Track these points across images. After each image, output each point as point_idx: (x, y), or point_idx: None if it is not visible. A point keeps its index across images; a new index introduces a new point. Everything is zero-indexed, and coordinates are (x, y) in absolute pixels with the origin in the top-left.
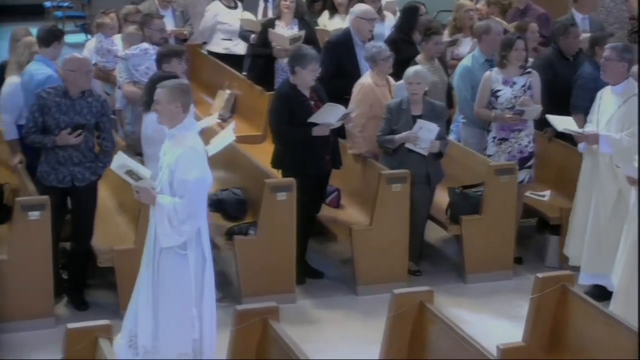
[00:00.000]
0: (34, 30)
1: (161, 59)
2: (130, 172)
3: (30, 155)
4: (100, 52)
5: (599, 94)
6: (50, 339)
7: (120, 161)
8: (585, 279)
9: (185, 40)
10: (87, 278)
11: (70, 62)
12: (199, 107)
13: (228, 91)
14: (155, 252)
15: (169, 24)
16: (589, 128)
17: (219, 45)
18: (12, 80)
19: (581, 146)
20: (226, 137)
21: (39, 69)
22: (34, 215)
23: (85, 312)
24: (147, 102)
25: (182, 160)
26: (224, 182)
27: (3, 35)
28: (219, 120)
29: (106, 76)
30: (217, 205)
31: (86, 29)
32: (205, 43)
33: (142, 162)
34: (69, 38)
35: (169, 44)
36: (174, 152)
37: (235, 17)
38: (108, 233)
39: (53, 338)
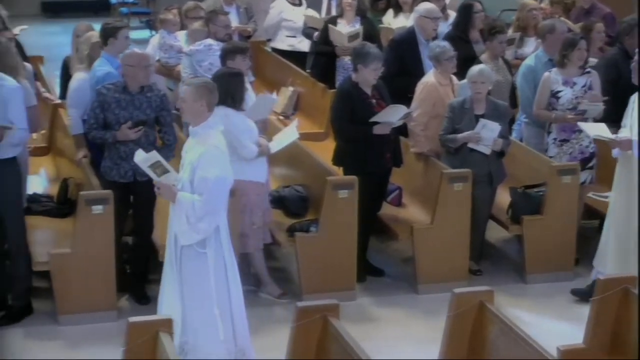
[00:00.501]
0: (97, 26)
1: (226, 55)
2: (153, 166)
3: (94, 150)
4: (163, 47)
5: (632, 97)
6: (112, 332)
7: (145, 154)
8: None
9: (249, 37)
10: (148, 272)
11: (129, 57)
12: None
13: (291, 88)
14: (176, 250)
15: (233, 21)
16: (623, 133)
17: (283, 42)
18: (79, 75)
19: (615, 152)
20: (289, 134)
21: (100, 66)
22: (97, 209)
23: (147, 306)
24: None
25: (204, 158)
26: (286, 179)
27: (69, 30)
28: (280, 117)
29: (169, 72)
30: (278, 202)
31: (151, 25)
32: (269, 40)
33: None
34: (133, 34)
35: (233, 40)
36: (197, 150)
37: (300, 14)
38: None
39: (115, 331)
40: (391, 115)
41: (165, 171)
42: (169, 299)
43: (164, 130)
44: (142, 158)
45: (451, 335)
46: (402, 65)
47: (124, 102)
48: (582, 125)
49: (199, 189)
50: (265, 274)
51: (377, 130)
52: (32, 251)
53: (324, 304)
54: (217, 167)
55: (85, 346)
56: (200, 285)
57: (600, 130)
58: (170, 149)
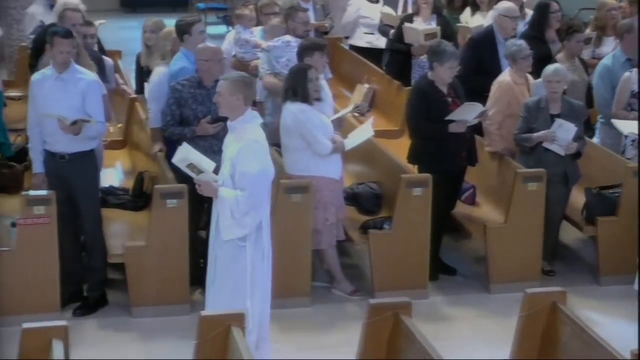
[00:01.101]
0: (173, 22)
1: (303, 51)
2: (191, 166)
3: (170, 144)
4: (239, 43)
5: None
6: (184, 325)
7: (182, 154)
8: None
9: (325, 33)
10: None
11: (202, 51)
12: (337, 101)
13: (367, 85)
14: (215, 243)
15: (311, 17)
16: None
17: (361, 39)
18: (160, 70)
19: None
20: (365, 131)
21: (177, 61)
22: (172, 203)
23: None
24: (286, 92)
25: (243, 152)
26: (360, 176)
27: None
28: (353, 112)
29: (244, 67)
30: (352, 199)
31: (227, 21)
32: (347, 37)
33: (279, 153)
34: (210, 30)
35: (311, 37)
36: (236, 145)
37: (377, 12)
38: None
39: (187, 325)
40: (467, 113)
41: (201, 171)
42: (213, 293)
43: None
44: (178, 158)
45: (522, 335)
46: (480, 64)
47: (200, 97)
48: (615, 122)
49: (241, 183)
50: (338, 271)
51: (452, 128)
52: (108, 243)
53: (396, 302)
54: (257, 161)
55: (157, 339)
56: (234, 278)
57: (633, 127)
58: None
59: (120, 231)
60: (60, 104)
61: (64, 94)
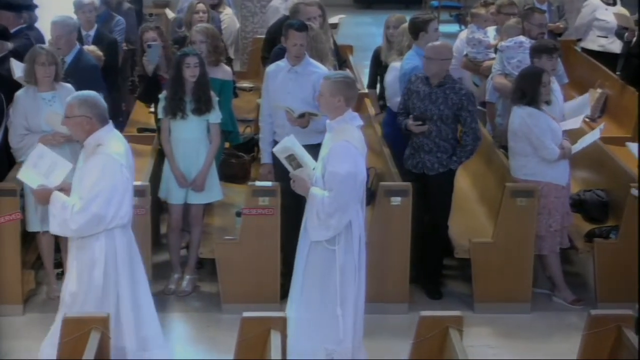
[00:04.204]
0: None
1: (533, 53)
2: (291, 158)
3: (396, 142)
4: (471, 42)
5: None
6: (402, 323)
7: (286, 145)
8: None
9: (559, 35)
10: (442, 267)
11: (428, 49)
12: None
13: (599, 90)
14: (305, 244)
15: (545, 19)
16: None
17: (594, 42)
18: (396, 65)
19: None
20: (591, 136)
21: (410, 59)
22: (395, 201)
23: (439, 301)
24: (515, 95)
25: (334, 152)
26: (588, 182)
27: (379, 21)
28: (579, 126)
29: (475, 67)
30: (578, 205)
31: (460, 20)
32: (579, 40)
33: (506, 156)
34: (442, 28)
35: (544, 39)
36: (329, 145)
37: (612, 14)
38: (466, 224)
39: (404, 323)
40: None
41: (300, 165)
42: (295, 296)
43: (464, 130)
44: (280, 148)
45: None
46: None
47: (423, 94)
48: (629, 145)
49: (329, 184)
50: (560, 278)
51: None
52: None
53: (619, 314)
54: (347, 162)
55: (375, 335)
56: (324, 283)
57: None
58: (465, 150)
59: None
60: (292, 96)
61: (296, 87)
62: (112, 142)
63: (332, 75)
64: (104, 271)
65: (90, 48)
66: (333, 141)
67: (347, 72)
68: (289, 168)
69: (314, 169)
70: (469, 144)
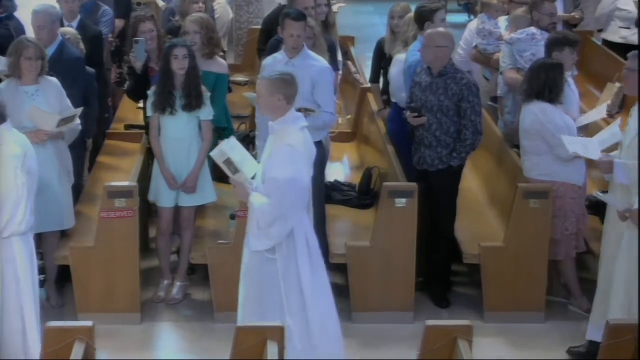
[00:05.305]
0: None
1: (552, 45)
2: (228, 162)
3: (399, 140)
4: (481, 33)
5: (633, 109)
6: (404, 334)
7: (224, 148)
8: (592, 334)
9: (574, 25)
10: (449, 273)
11: (425, 36)
12: (584, 100)
13: (617, 84)
14: (246, 252)
15: (559, 8)
16: (616, 152)
17: (615, 33)
18: (401, 57)
19: (606, 175)
20: (612, 135)
21: (414, 50)
22: (400, 202)
23: (447, 309)
24: (527, 91)
25: (274, 157)
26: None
27: (382, 10)
28: (605, 115)
29: (486, 60)
30: (595, 207)
31: (469, 9)
32: (600, 30)
33: (518, 155)
34: (449, 18)
35: (561, 30)
36: (271, 148)
37: (634, 3)
38: (476, 227)
39: (408, 334)
40: None
41: (237, 170)
42: (240, 303)
43: (463, 123)
44: (217, 151)
45: None
46: None
47: (424, 84)
48: (564, 138)
49: (269, 191)
50: (576, 285)
51: None
52: (329, 242)
53: (635, 324)
54: (288, 168)
55: (378, 347)
56: (263, 294)
57: (580, 147)
58: (465, 145)
59: (343, 230)
60: None
61: None
62: (8, 143)
63: (268, 74)
64: (3, 283)
65: (67, 30)
66: (274, 144)
67: (286, 70)
68: (228, 173)
69: (254, 176)
70: (468, 138)
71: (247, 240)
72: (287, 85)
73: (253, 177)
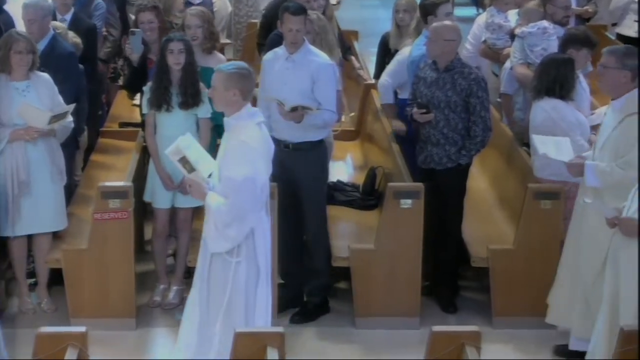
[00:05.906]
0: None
1: (570, 42)
2: (184, 161)
3: (404, 140)
4: (490, 27)
5: (604, 109)
6: (412, 340)
7: (180, 145)
8: (575, 344)
9: (587, 19)
10: (457, 277)
11: (430, 29)
12: (596, 97)
13: None
14: (206, 256)
15: (572, 1)
16: (588, 153)
17: (630, 27)
18: (407, 50)
19: (578, 180)
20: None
21: (419, 45)
22: (406, 203)
23: (454, 314)
24: (537, 87)
25: (230, 155)
26: None
27: (387, 4)
28: None
29: (495, 55)
30: None
31: (477, 2)
32: (614, 24)
33: (529, 154)
34: (457, 12)
35: (580, 26)
36: (226, 146)
37: None
38: (484, 229)
39: (415, 340)
40: None
41: (193, 169)
42: (191, 310)
43: (472, 119)
44: (172, 149)
45: None
46: None
47: (430, 80)
48: (535, 138)
49: (225, 190)
50: None
51: None
52: (332, 245)
53: None
54: (244, 166)
55: (382, 353)
56: (226, 299)
57: (550, 148)
58: (475, 142)
59: (346, 232)
60: (288, 87)
61: (293, 77)
62: None
63: (225, 67)
64: None
65: (70, 34)
66: (229, 141)
67: (242, 63)
68: (184, 172)
69: (210, 175)
70: (478, 134)
71: (203, 242)
72: (244, 80)
73: (210, 176)
